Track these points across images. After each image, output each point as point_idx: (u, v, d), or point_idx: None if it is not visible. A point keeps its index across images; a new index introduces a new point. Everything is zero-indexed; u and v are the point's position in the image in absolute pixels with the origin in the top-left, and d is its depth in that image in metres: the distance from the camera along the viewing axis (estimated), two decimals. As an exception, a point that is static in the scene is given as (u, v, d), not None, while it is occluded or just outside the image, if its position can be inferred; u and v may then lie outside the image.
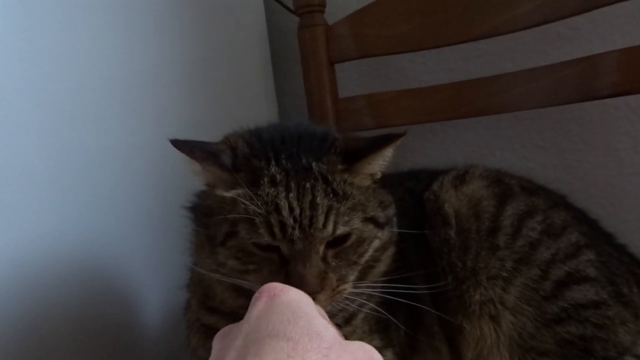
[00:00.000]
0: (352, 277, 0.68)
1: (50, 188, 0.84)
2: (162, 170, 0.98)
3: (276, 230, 0.64)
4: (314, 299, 0.60)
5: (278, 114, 1.36)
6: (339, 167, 0.68)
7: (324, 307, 0.64)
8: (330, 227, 0.65)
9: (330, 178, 0.66)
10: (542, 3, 1.03)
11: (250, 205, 0.64)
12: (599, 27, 1.13)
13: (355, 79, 1.38)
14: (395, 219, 0.75)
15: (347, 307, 0.70)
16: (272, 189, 0.65)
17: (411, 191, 0.92)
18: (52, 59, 0.85)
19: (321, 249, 0.65)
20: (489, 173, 0.88)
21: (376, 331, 0.76)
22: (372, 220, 0.69)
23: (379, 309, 0.75)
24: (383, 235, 0.71)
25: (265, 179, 0.66)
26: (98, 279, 0.92)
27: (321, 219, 0.64)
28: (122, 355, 0.95)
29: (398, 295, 0.75)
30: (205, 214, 0.71)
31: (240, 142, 0.70)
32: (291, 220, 0.64)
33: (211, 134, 0.75)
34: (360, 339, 0.73)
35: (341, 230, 0.65)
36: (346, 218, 0.65)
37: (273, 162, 0.67)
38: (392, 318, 0.76)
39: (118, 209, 0.94)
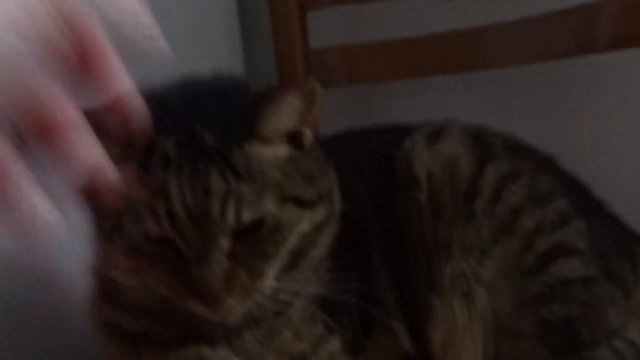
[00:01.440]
0: (272, 272, 0.57)
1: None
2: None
3: (164, 221, 0.53)
4: (221, 303, 0.53)
5: (244, 67, 1.25)
6: (241, 136, 0.56)
7: (236, 311, 0.56)
8: (230, 217, 0.53)
9: (229, 154, 0.54)
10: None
11: (134, 189, 0.53)
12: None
13: (330, 29, 1.26)
14: (336, 191, 0.63)
15: (274, 303, 0.60)
16: (162, 171, 0.54)
17: (374, 151, 0.81)
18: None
19: (225, 242, 0.54)
20: (469, 130, 0.78)
21: (320, 316, 0.65)
22: (294, 200, 0.57)
23: (325, 294, 0.64)
24: (314, 215, 0.59)
25: (157, 157, 0.54)
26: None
27: (217, 207, 0.53)
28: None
29: (349, 277, 0.65)
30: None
31: None
32: (181, 211, 0.52)
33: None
34: (299, 329, 0.63)
35: (248, 217, 0.54)
36: (253, 202, 0.54)
37: (169, 136, 0.55)
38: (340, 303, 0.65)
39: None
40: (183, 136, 0.55)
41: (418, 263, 0.72)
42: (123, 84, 0.45)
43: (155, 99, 0.57)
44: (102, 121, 0.54)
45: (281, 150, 0.59)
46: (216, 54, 1.18)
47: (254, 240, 0.56)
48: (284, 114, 0.58)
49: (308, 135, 0.61)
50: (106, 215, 0.57)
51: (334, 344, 0.65)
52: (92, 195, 0.51)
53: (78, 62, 0.42)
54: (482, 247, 0.71)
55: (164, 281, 0.56)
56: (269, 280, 0.57)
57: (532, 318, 0.70)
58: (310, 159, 0.61)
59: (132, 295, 0.61)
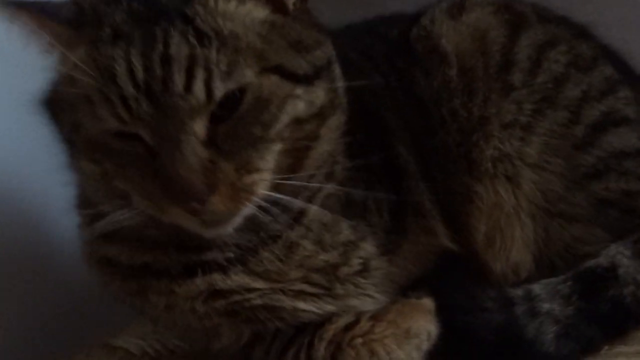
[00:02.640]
0: (264, 163, 0.48)
1: None
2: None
3: (119, 107, 0.44)
4: (203, 204, 0.44)
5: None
6: None
7: (228, 216, 0.47)
8: (199, 89, 0.44)
9: (190, 12, 0.45)
10: None
11: (85, 75, 0.44)
12: None
13: None
14: (335, 68, 0.54)
15: (283, 210, 0.51)
16: (110, 47, 0.44)
17: (383, 37, 0.73)
18: None
19: (198, 126, 0.44)
20: None
21: (346, 218, 0.57)
22: (279, 70, 0.48)
23: (346, 193, 0.57)
24: (311, 94, 0.50)
25: (106, 31, 0.45)
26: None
27: (180, 78, 0.43)
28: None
29: (372, 171, 0.59)
30: (57, 106, 0.51)
31: None
32: (135, 89, 0.43)
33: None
34: (321, 238, 0.55)
35: (221, 89, 0.44)
36: (225, 68, 0.44)
37: (123, 5, 0.46)
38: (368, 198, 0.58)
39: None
40: (137, 3, 0.46)
41: (453, 147, 0.64)
42: None
43: None
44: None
45: (258, 11, 0.49)
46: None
47: (236, 122, 0.46)
48: None
49: None
50: (66, 112, 0.48)
51: (366, 248, 0.57)
52: None
53: None
54: (525, 123, 0.63)
55: (135, 185, 0.47)
56: (262, 175, 0.47)
57: (586, 197, 0.63)
58: (299, 25, 0.51)
59: (118, 219, 0.51)
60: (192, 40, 0.44)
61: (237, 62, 0.45)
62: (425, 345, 0.57)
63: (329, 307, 0.56)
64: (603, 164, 0.63)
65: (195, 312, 0.54)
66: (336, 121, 0.53)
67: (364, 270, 0.57)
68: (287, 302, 0.54)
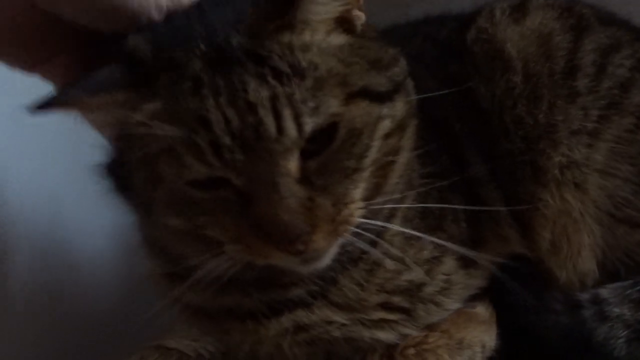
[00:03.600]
0: (359, 193, 0.47)
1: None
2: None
3: (209, 154, 0.42)
4: (307, 244, 0.42)
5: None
6: (272, 26, 0.44)
7: (327, 252, 0.46)
8: (290, 128, 0.42)
9: (263, 51, 0.43)
10: None
11: (165, 129, 0.42)
12: None
13: None
14: (409, 81, 0.53)
15: (368, 231, 0.49)
16: (192, 96, 0.43)
17: (433, 39, 0.72)
18: None
19: (292, 165, 0.43)
20: (556, 1, 0.68)
21: (426, 231, 0.56)
22: (365, 93, 0.47)
23: (424, 205, 0.56)
24: (393, 109, 0.49)
25: (186, 83, 0.43)
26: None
27: (269, 120, 0.42)
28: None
29: (448, 181, 0.58)
30: (123, 169, 0.48)
31: (138, 40, 0.46)
32: (227, 136, 0.42)
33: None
34: (402, 252, 0.54)
35: (311, 124, 0.43)
36: (312, 104, 0.43)
37: (193, 52, 0.44)
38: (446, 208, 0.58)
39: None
40: (205, 46, 0.43)
41: (517, 155, 0.64)
42: None
43: (167, 18, 0.46)
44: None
45: (334, 37, 0.47)
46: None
47: (328, 156, 0.45)
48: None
49: (360, 16, 0.49)
50: (141, 169, 0.46)
51: (448, 262, 0.57)
52: None
53: None
54: (592, 129, 0.63)
55: (230, 233, 0.45)
56: (357, 204, 0.47)
57: None
58: (373, 44, 0.50)
59: (211, 269, 0.49)
60: (271, 80, 0.42)
61: (321, 93, 0.43)
62: (479, 357, 0.57)
63: (408, 331, 0.55)
64: None
65: (280, 348, 0.54)
66: (413, 128, 0.53)
67: (447, 287, 0.57)
68: (366, 333, 0.54)
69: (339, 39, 0.48)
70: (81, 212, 0.84)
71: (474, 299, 0.61)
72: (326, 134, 0.44)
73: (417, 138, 0.54)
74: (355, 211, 0.46)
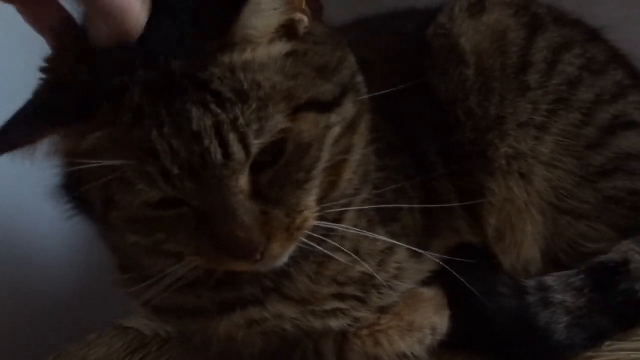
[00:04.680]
0: (312, 199, 0.47)
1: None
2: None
3: (160, 182, 0.42)
4: (264, 254, 0.43)
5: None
6: (211, 48, 0.43)
7: (284, 255, 0.47)
8: (237, 152, 0.42)
9: (204, 75, 0.42)
10: None
11: (111, 156, 0.42)
12: None
13: None
14: (359, 76, 0.53)
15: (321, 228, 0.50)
16: (135, 125, 0.42)
17: (399, 33, 0.74)
18: None
19: (243, 183, 0.44)
20: (514, 0, 0.71)
21: (380, 222, 0.58)
22: (312, 105, 0.46)
23: (380, 195, 0.57)
24: (342, 113, 0.49)
25: (128, 116, 0.42)
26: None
27: (215, 149, 0.41)
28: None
29: (400, 175, 0.60)
30: (77, 189, 0.48)
31: (70, 63, 0.44)
32: (176, 166, 0.42)
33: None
34: (358, 248, 0.55)
35: (257, 146, 0.43)
36: (256, 126, 0.42)
37: (133, 79, 0.42)
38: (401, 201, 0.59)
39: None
40: (145, 72, 0.42)
41: (467, 146, 0.66)
42: None
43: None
44: None
45: (276, 48, 0.45)
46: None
47: (279, 170, 0.45)
48: (266, 7, 0.44)
49: (302, 20, 0.48)
50: (91, 199, 0.46)
51: (401, 252, 0.59)
52: None
53: None
54: (540, 122, 0.65)
55: (189, 246, 0.46)
56: (311, 210, 0.48)
57: (594, 195, 0.65)
58: (319, 48, 0.49)
59: (173, 276, 0.50)
60: (214, 108, 0.41)
61: (266, 112, 0.43)
62: (430, 339, 0.59)
63: (362, 315, 0.57)
64: (612, 164, 0.65)
65: (233, 340, 0.56)
66: (366, 124, 0.53)
67: (400, 273, 0.58)
68: (318, 323, 0.55)
69: (281, 48, 0.46)
70: (37, 201, 0.84)
71: (426, 283, 0.63)
72: (277, 146, 0.44)
73: (372, 131, 0.55)
74: (310, 217, 0.48)
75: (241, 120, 0.42)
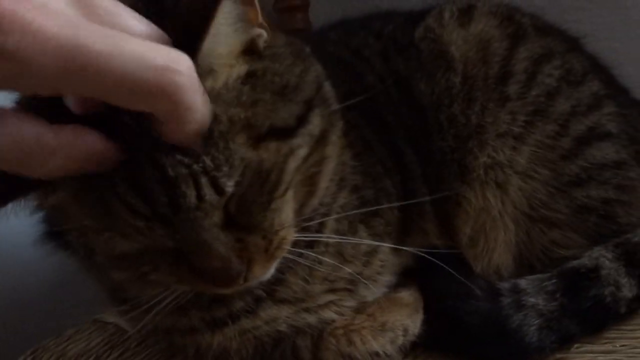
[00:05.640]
0: (284, 215, 0.47)
1: None
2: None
3: (132, 233, 0.42)
4: (247, 277, 0.45)
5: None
6: None
7: (268, 273, 0.48)
8: (209, 194, 0.41)
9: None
10: None
11: (80, 215, 0.42)
12: None
13: None
14: (327, 86, 0.52)
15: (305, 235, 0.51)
16: (99, 184, 0.41)
17: (378, 34, 0.74)
18: None
19: (215, 218, 0.43)
20: (499, 9, 0.72)
21: (361, 221, 0.59)
22: (273, 132, 0.45)
23: (359, 195, 0.59)
24: (308, 130, 0.48)
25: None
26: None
27: (189, 193, 0.41)
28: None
29: (379, 173, 0.62)
30: (58, 235, 0.48)
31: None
32: (141, 222, 0.41)
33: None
34: (343, 250, 0.57)
35: (230, 184, 0.42)
36: (226, 167, 0.42)
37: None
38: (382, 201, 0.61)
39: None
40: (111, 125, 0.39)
41: (447, 152, 0.68)
42: None
43: None
44: None
45: (235, 71, 0.44)
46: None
47: (242, 198, 0.44)
48: (226, 32, 0.42)
49: (261, 34, 0.46)
50: (73, 242, 0.46)
51: (384, 250, 0.61)
52: None
53: None
54: (517, 133, 0.67)
55: (173, 277, 0.47)
56: (288, 227, 0.48)
57: (567, 204, 0.67)
58: (278, 65, 0.47)
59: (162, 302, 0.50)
60: (180, 157, 0.40)
61: (230, 148, 0.42)
62: (401, 340, 0.61)
63: (349, 304, 0.59)
64: (585, 174, 0.67)
65: (227, 351, 0.57)
66: (337, 132, 0.53)
67: (383, 270, 0.61)
68: (312, 318, 0.57)
69: (239, 70, 0.44)
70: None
71: (400, 285, 0.64)
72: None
73: (346, 134, 0.55)
74: (288, 234, 0.48)
75: (208, 162, 0.40)
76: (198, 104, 0.36)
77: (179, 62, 0.34)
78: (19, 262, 0.86)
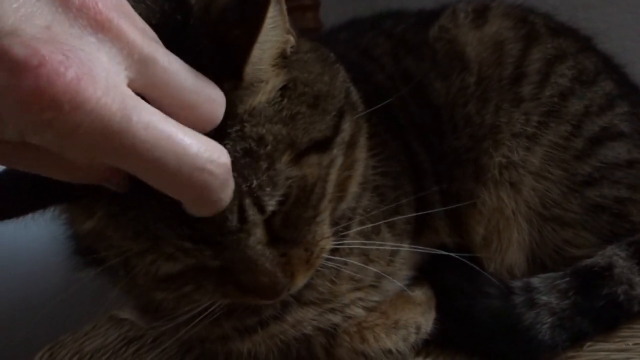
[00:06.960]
0: (324, 227, 0.49)
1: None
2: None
3: (178, 255, 0.42)
4: (290, 289, 0.46)
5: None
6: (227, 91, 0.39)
7: (306, 280, 0.49)
8: (252, 215, 0.41)
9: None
10: None
11: (119, 239, 0.42)
12: None
13: None
14: (352, 90, 0.52)
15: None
16: (139, 209, 0.41)
17: (388, 33, 0.75)
18: None
19: (260, 236, 0.44)
20: (513, 10, 0.73)
21: (384, 220, 0.60)
22: (314, 147, 0.45)
23: (380, 195, 0.60)
24: (342, 138, 0.48)
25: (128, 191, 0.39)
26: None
27: (232, 217, 0.41)
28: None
29: (397, 171, 0.63)
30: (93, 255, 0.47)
31: None
32: (189, 244, 0.41)
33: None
34: (369, 252, 0.58)
35: (272, 203, 0.42)
36: (269, 188, 0.41)
37: None
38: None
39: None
40: None
41: (462, 152, 0.68)
42: None
43: None
44: None
45: (271, 85, 0.42)
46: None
47: (287, 212, 0.45)
48: (271, 38, 0.40)
49: (289, 40, 0.44)
50: (112, 265, 0.45)
51: (405, 247, 0.62)
52: None
53: None
54: (531, 133, 0.67)
55: (217, 294, 0.47)
56: (326, 237, 0.49)
57: (580, 203, 0.67)
58: (307, 74, 0.46)
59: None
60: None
61: (274, 168, 0.41)
62: (414, 338, 0.62)
63: (376, 299, 0.60)
64: (598, 173, 0.67)
65: (255, 356, 0.58)
66: (364, 134, 0.54)
67: (404, 266, 0.62)
68: (337, 317, 0.58)
69: (275, 83, 0.43)
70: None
71: (413, 283, 0.65)
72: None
73: (369, 137, 0.56)
74: (327, 244, 0.49)
75: (254, 184, 0.40)
76: (224, 198, 0.36)
77: (218, 164, 0.34)
78: (37, 259, 0.88)
